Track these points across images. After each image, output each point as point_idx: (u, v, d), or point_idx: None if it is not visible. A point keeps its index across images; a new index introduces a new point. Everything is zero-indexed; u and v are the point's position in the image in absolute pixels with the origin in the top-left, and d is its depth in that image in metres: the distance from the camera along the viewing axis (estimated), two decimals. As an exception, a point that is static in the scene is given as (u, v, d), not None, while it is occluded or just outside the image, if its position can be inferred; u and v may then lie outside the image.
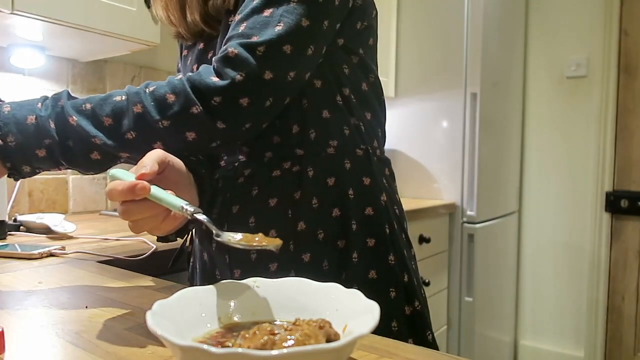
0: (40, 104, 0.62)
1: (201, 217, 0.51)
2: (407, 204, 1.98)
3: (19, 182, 1.43)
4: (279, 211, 0.70)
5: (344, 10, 0.70)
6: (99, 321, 0.53)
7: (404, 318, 0.71)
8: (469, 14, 2.09)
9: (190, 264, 0.84)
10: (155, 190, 0.52)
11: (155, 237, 0.68)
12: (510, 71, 2.44)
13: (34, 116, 0.60)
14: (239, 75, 0.60)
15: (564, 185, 2.51)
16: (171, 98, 0.60)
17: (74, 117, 0.60)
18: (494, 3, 2.18)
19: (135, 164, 0.54)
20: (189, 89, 0.60)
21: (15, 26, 1.21)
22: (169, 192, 0.53)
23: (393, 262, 0.72)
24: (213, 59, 0.63)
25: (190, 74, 0.62)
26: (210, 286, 0.50)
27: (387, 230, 0.73)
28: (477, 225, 2.11)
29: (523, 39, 2.56)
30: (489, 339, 2.31)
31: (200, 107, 0.60)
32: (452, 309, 2.15)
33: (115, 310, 0.57)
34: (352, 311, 0.44)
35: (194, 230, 0.82)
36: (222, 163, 0.76)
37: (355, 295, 0.46)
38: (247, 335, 0.40)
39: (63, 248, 0.93)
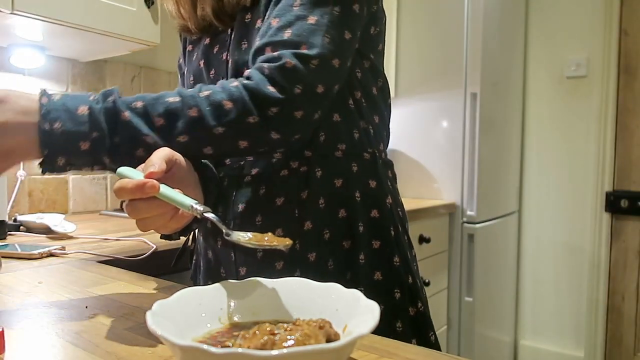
0: (92, 97, 0.60)
1: (211, 216, 0.51)
2: (407, 204, 1.97)
3: (19, 182, 1.43)
4: (286, 210, 0.70)
5: (366, 18, 0.72)
6: (99, 321, 0.53)
7: (408, 319, 0.72)
8: (469, 14, 2.09)
9: (193, 262, 0.85)
10: (164, 189, 0.52)
11: (158, 235, 0.68)
12: (510, 71, 2.44)
13: (87, 107, 0.58)
14: (297, 89, 0.60)
15: (564, 185, 2.51)
16: (228, 105, 0.59)
17: (126, 114, 0.58)
18: (494, 3, 2.18)
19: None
20: (247, 98, 0.60)
21: (15, 26, 1.21)
22: (177, 190, 0.53)
23: (398, 264, 0.73)
24: (263, 65, 0.61)
25: (246, 81, 0.61)
26: (210, 286, 0.50)
27: (392, 233, 0.74)
28: (477, 225, 2.11)
29: (523, 39, 2.56)
30: (489, 339, 2.31)
31: (257, 117, 0.60)
32: (452, 309, 2.15)
33: (115, 310, 0.57)
34: (352, 311, 0.44)
35: (196, 230, 0.82)
36: (227, 161, 0.76)
37: (355, 295, 0.46)
38: (247, 335, 0.40)
39: (63, 248, 0.93)
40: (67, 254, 0.92)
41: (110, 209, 1.67)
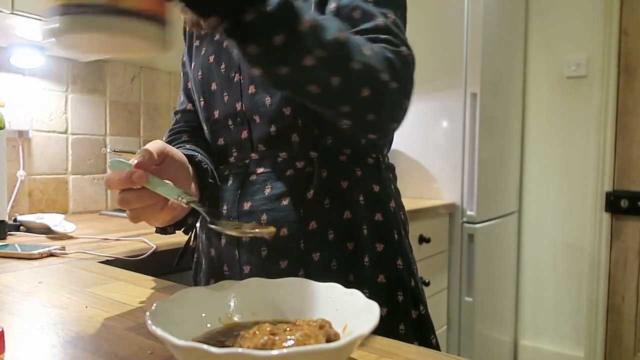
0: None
1: (195, 205, 0.52)
2: (407, 204, 1.97)
3: (19, 182, 1.43)
4: (291, 210, 0.70)
5: None
6: (99, 321, 0.53)
7: (410, 321, 0.73)
8: (469, 14, 2.09)
9: (194, 260, 0.85)
10: (152, 179, 0.53)
11: (159, 235, 0.68)
12: (510, 71, 2.44)
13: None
14: (410, 84, 0.63)
15: (564, 185, 2.51)
16: (389, 58, 0.59)
17: (344, 34, 0.54)
18: (494, 3, 2.18)
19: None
20: (395, 63, 0.59)
21: (15, 26, 1.21)
22: (167, 182, 0.54)
23: (401, 267, 0.74)
24: (387, 45, 0.60)
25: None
26: (210, 286, 0.50)
27: (396, 236, 0.75)
28: (477, 225, 2.11)
29: (523, 39, 2.56)
30: (489, 339, 2.31)
31: (396, 84, 0.59)
32: (452, 309, 2.15)
33: (115, 310, 0.57)
34: (352, 311, 0.44)
35: (198, 226, 0.82)
36: (232, 159, 0.76)
37: (355, 295, 0.46)
38: (247, 335, 0.40)
39: (63, 248, 0.93)
40: (67, 254, 0.92)
41: (110, 209, 1.67)
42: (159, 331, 0.36)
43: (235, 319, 0.49)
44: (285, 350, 0.33)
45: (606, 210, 2.37)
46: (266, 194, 0.71)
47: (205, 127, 0.79)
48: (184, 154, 0.66)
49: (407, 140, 2.27)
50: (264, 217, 0.70)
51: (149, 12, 0.42)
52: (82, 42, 0.44)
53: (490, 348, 2.33)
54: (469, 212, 2.12)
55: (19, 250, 0.89)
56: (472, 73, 2.10)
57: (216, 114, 0.76)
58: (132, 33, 0.41)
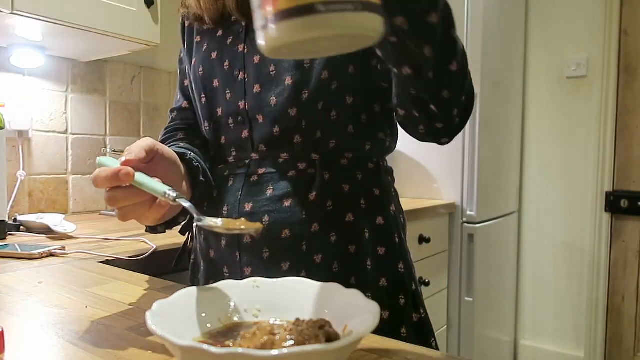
0: None
1: (183, 202, 0.52)
2: (407, 204, 1.97)
3: (19, 182, 1.43)
4: (293, 211, 0.69)
5: None
6: (99, 321, 0.53)
7: (411, 325, 0.73)
8: (469, 14, 2.09)
9: (192, 261, 0.84)
10: (139, 177, 0.52)
11: (159, 235, 0.68)
12: (510, 71, 2.44)
13: None
14: None
15: (564, 185, 2.51)
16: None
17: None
18: (494, 3, 2.18)
19: None
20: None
21: (15, 26, 1.21)
22: (156, 179, 0.54)
23: (402, 271, 0.74)
24: None
25: None
26: (210, 286, 0.50)
27: (397, 240, 0.75)
28: (477, 225, 2.11)
29: (523, 39, 2.56)
30: (489, 339, 2.31)
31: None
32: (452, 309, 2.15)
33: (115, 310, 0.57)
34: (352, 311, 0.44)
35: (195, 227, 0.81)
36: (231, 159, 0.75)
37: (355, 295, 0.46)
38: (247, 335, 0.40)
39: (63, 248, 0.93)
40: (67, 254, 0.92)
41: (110, 209, 1.67)
42: (159, 331, 0.36)
43: (235, 319, 0.49)
44: (285, 350, 0.33)
45: (606, 210, 2.37)
46: (268, 195, 0.70)
47: (207, 125, 0.78)
48: (175, 152, 0.65)
49: (407, 140, 2.26)
50: (266, 218, 0.70)
51: (372, 1, 0.37)
52: (308, 46, 0.40)
53: (490, 348, 2.33)
54: (469, 212, 2.12)
55: (19, 250, 0.89)
56: (472, 73, 2.08)
57: (219, 111, 0.75)
58: (373, 28, 0.38)
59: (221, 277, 0.72)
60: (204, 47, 0.77)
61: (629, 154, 2.35)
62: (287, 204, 0.69)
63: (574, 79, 2.46)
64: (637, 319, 2.33)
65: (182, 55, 0.87)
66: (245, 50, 0.72)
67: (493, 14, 2.17)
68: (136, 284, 0.70)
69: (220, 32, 0.76)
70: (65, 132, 1.58)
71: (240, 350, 0.33)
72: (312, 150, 0.70)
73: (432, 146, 2.22)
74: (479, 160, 2.10)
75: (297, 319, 0.43)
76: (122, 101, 1.73)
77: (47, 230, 1.14)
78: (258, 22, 0.39)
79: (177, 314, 0.44)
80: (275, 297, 0.50)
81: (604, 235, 2.38)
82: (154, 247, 0.97)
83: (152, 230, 0.70)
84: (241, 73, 0.72)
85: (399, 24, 0.49)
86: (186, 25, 0.83)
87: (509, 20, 2.39)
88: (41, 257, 0.88)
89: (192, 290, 0.48)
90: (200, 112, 0.78)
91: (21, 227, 1.19)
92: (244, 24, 0.73)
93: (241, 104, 0.71)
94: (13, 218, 1.23)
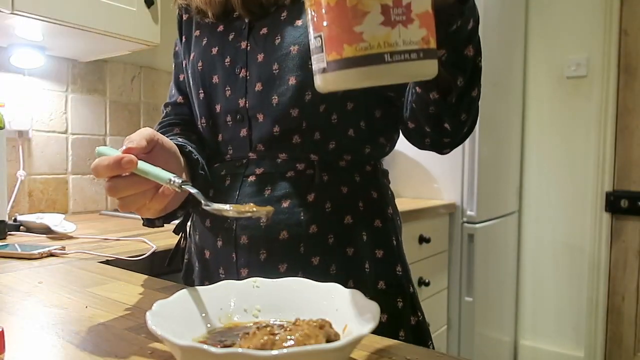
0: None
1: (189, 188, 0.51)
2: (407, 204, 1.97)
3: (19, 182, 1.43)
4: (292, 213, 0.68)
5: None
6: (99, 321, 0.53)
7: (409, 328, 0.72)
8: (469, 14, 2.09)
9: (185, 261, 0.82)
10: (142, 165, 0.51)
11: (159, 235, 0.67)
12: (510, 71, 2.44)
13: None
14: None
15: (564, 185, 2.51)
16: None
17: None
18: (494, 3, 2.18)
19: None
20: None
21: (15, 26, 1.21)
22: (158, 168, 0.52)
23: (400, 274, 0.73)
24: None
25: None
26: (211, 286, 0.50)
27: (394, 242, 0.74)
28: (477, 225, 2.11)
29: (523, 39, 2.56)
30: (489, 339, 2.31)
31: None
32: (452, 309, 2.15)
33: (115, 310, 0.57)
34: (352, 311, 0.44)
35: (190, 226, 0.80)
36: (227, 157, 0.74)
37: (355, 295, 0.46)
38: (247, 335, 0.40)
39: (63, 248, 0.93)
40: (67, 254, 0.92)
41: (110, 209, 1.67)
42: (159, 331, 0.36)
43: (235, 319, 0.49)
44: (285, 350, 0.33)
45: (606, 210, 2.37)
46: (266, 195, 0.69)
47: (203, 122, 0.76)
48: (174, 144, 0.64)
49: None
50: (263, 219, 0.68)
51: (431, 47, 0.39)
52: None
53: (490, 348, 2.33)
54: (469, 212, 2.12)
55: (19, 250, 0.89)
56: (472, 73, 2.09)
57: (217, 108, 0.73)
58: (430, 73, 0.40)
59: (216, 279, 0.71)
60: (204, 42, 0.75)
61: (629, 154, 2.35)
62: (285, 204, 0.69)
63: (574, 79, 2.46)
64: (637, 319, 2.33)
65: (177, 48, 0.84)
66: (248, 47, 0.70)
67: (493, 14, 2.17)
68: (136, 284, 0.70)
69: (221, 28, 0.74)
70: (65, 132, 1.58)
71: (240, 350, 0.33)
72: (311, 151, 0.70)
73: (432, 146, 2.22)
74: (479, 160, 2.10)
75: (297, 319, 0.43)
76: (122, 101, 1.73)
77: (47, 230, 1.14)
78: (318, 65, 0.40)
79: (177, 314, 0.44)
80: (275, 297, 0.50)
81: (604, 235, 2.38)
82: (154, 247, 0.97)
83: (149, 223, 0.69)
84: (243, 70, 0.70)
85: (439, 56, 0.51)
86: (184, 18, 0.81)
87: (509, 20, 2.39)
88: (41, 257, 0.88)
89: (192, 290, 0.48)
90: (197, 108, 0.77)
91: (21, 227, 1.19)
92: (247, 20, 0.72)
93: (241, 102, 0.70)
94: (13, 218, 1.23)
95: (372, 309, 0.42)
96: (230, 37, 0.72)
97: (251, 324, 0.47)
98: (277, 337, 0.38)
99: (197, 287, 0.49)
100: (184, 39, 0.81)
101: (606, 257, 2.38)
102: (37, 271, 0.78)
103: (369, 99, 0.72)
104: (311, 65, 0.67)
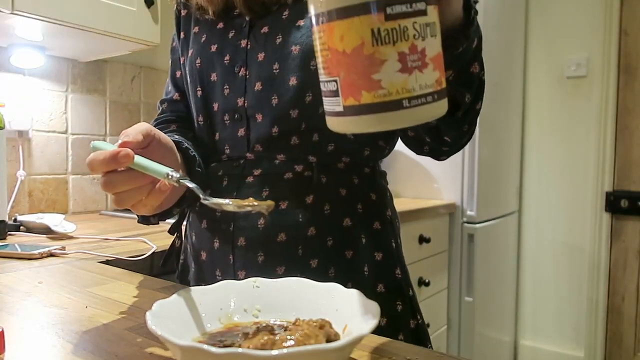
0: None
1: (187, 183, 0.50)
2: (407, 204, 1.97)
3: (19, 182, 1.43)
4: (290, 214, 0.67)
5: None
6: (99, 321, 0.53)
7: (409, 331, 0.72)
8: (469, 14, 2.09)
9: (181, 262, 0.81)
10: (138, 159, 0.50)
11: (158, 235, 0.67)
12: (511, 71, 2.44)
13: None
14: None
15: (564, 185, 2.51)
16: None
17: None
18: (494, 3, 2.18)
19: None
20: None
21: (15, 26, 1.21)
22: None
23: (400, 277, 0.73)
24: None
25: None
26: (210, 286, 0.50)
27: (394, 245, 0.73)
28: (477, 225, 2.11)
29: (523, 39, 2.56)
30: (489, 339, 2.31)
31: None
32: (452, 309, 2.15)
33: (115, 310, 0.57)
34: (352, 311, 0.44)
35: (186, 226, 0.79)
36: (224, 157, 0.73)
37: (355, 295, 0.46)
38: (247, 335, 0.40)
39: (63, 248, 0.93)
40: (67, 254, 0.92)
41: (110, 209, 1.67)
42: (159, 331, 0.36)
43: (235, 319, 0.49)
44: (285, 350, 0.33)
45: (606, 210, 2.37)
46: (264, 196, 0.68)
47: (200, 120, 0.74)
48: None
49: (407, 140, 2.27)
50: (262, 221, 0.68)
51: (443, 87, 0.40)
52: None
53: (490, 348, 2.33)
54: (469, 212, 2.12)
55: (19, 250, 0.89)
56: (472, 73, 2.09)
57: (215, 106, 0.72)
58: (443, 112, 0.41)
59: (213, 280, 0.70)
60: (203, 39, 0.74)
61: (629, 154, 2.35)
62: (283, 206, 0.68)
63: (574, 79, 2.46)
64: (637, 319, 2.33)
65: (174, 44, 0.83)
66: (249, 46, 0.69)
67: (493, 14, 2.17)
68: (136, 284, 0.70)
69: (220, 25, 0.73)
70: (65, 132, 1.58)
71: (240, 350, 0.33)
72: (309, 153, 0.69)
73: (432, 146, 2.22)
74: (479, 160, 2.10)
75: (297, 319, 0.43)
76: (122, 101, 1.73)
77: (47, 230, 1.14)
78: (333, 107, 0.41)
79: (177, 314, 0.44)
80: (275, 297, 0.50)
81: (604, 235, 2.38)
82: (154, 247, 0.97)
83: (144, 221, 0.68)
84: (242, 69, 0.69)
85: (447, 77, 0.51)
86: (182, 13, 0.80)
87: (509, 20, 2.39)
88: (41, 257, 0.88)
89: (192, 290, 0.48)
90: (194, 106, 0.76)
91: (21, 227, 1.19)
92: (247, 18, 0.70)
93: (240, 101, 0.69)
94: (13, 218, 1.23)
95: (372, 308, 0.42)
96: (230, 34, 0.71)
97: (251, 324, 0.47)
98: (277, 337, 0.38)
99: (197, 287, 0.49)
100: (182, 36, 0.79)
101: (606, 257, 2.38)
102: (37, 271, 0.78)
103: None
104: (313, 67, 0.67)
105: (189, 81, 0.76)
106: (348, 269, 0.69)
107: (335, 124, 0.42)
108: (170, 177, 0.49)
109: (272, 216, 0.67)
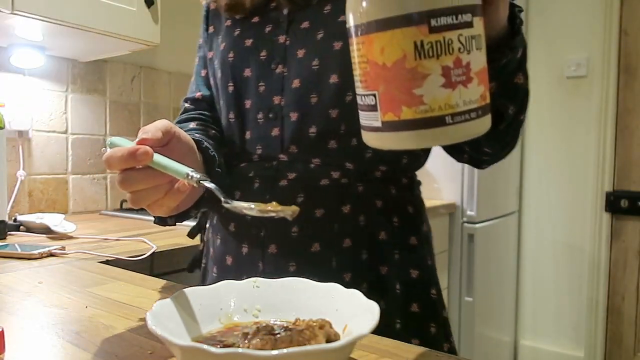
0: None
1: (208, 184, 0.47)
2: (407, 204, 1.97)
3: (19, 182, 1.43)
4: (325, 223, 0.64)
5: None
6: (99, 321, 0.53)
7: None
8: (469, 14, 2.09)
9: (202, 266, 0.77)
10: (158, 157, 0.48)
11: (158, 235, 0.65)
12: (510, 71, 2.44)
13: None
14: None
15: (564, 185, 2.51)
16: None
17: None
18: (494, 3, 2.18)
19: None
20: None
21: (15, 26, 1.21)
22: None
23: (435, 297, 0.69)
24: None
25: None
26: (210, 286, 0.50)
27: (429, 262, 0.70)
28: (477, 225, 2.11)
29: (523, 39, 2.56)
30: (489, 339, 2.31)
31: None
32: (452, 309, 2.15)
33: (115, 310, 0.57)
34: (352, 311, 0.44)
35: (209, 229, 0.76)
36: (255, 158, 0.69)
37: (355, 295, 0.46)
38: (247, 335, 0.40)
39: (63, 248, 0.93)
40: (67, 254, 0.92)
41: (110, 209, 1.67)
42: (159, 331, 0.36)
43: (235, 319, 0.49)
44: (285, 350, 0.33)
45: (606, 210, 2.37)
46: (298, 202, 0.63)
47: (231, 117, 0.70)
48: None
49: (407, 140, 2.27)
50: (295, 228, 0.63)
51: (487, 103, 0.39)
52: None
53: (490, 348, 2.33)
54: (469, 212, 2.12)
55: (19, 250, 0.89)
56: (472, 73, 2.10)
57: (247, 104, 0.68)
58: (486, 128, 0.40)
59: None
60: (236, 32, 0.70)
61: (629, 154, 2.35)
62: (318, 214, 0.64)
63: (574, 79, 2.46)
64: (637, 319, 2.33)
65: (201, 41, 0.79)
66: (288, 42, 0.66)
67: (493, 14, 2.17)
68: (136, 284, 0.70)
69: (256, 19, 0.69)
70: (65, 132, 1.58)
71: (240, 350, 0.33)
72: (346, 159, 0.65)
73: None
74: (479, 160, 2.10)
75: (297, 319, 0.43)
76: (122, 101, 1.73)
77: (47, 230, 1.14)
78: (370, 122, 0.39)
79: (177, 314, 0.44)
80: (275, 297, 0.50)
81: (604, 235, 2.38)
82: (154, 247, 0.97)
83: (161, 222, 0.65)
84: (280, 66, 0.65)
85: (490, 89, 0.49)
86: (211, 7, 0.75)
87: (509, 20, 2.39)
88: (41, 257, 0.88)
89: (192, 290, 0.48)
90: (224, 102, 0.71)
91: (21, 227, 1.19)
92: (285, 12, 0.67)
93: (276, 99, 0.65)
94: (13, 218, 1.23)
95: (372, 308, 0.42)
96: (267, 29, 0.67)
97: (251, 324, 0.47)
98: (277, 337, 0.38)
99: (197, 287, 0.49)
100: (211, 30, 0.75)
101: (606, 257, 2.38)
102: (37, 271, 0.78)
103: None
104: (348, 58, 0.64)
105: (219, 76, 0.72)
106: (380, 286, 0.65)
107: (372, 140, 0.40)
108: (190, 177, 0.47)
109: (306, 225, 0.64)
